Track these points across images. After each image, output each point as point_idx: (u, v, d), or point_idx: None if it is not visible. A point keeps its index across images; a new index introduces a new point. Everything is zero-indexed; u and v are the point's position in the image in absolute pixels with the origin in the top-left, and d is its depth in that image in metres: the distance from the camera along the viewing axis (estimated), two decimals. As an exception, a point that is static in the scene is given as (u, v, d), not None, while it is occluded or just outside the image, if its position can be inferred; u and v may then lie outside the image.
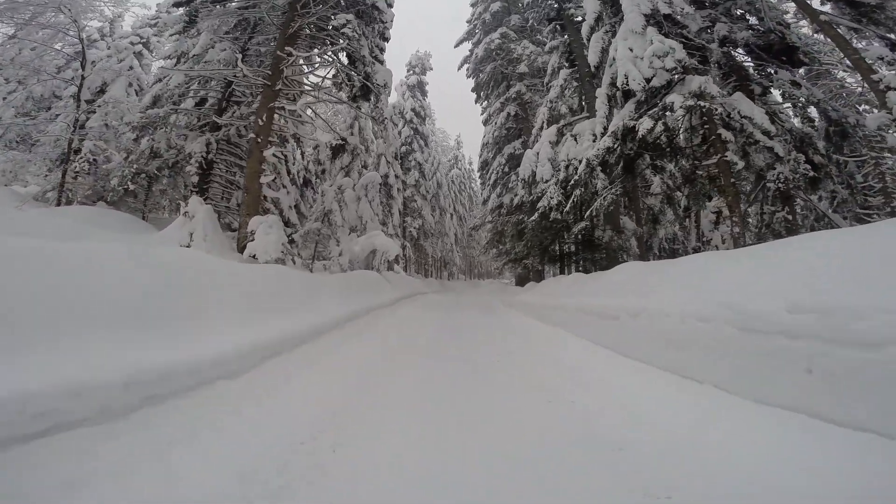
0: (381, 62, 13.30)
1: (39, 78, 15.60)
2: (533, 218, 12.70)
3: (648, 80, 7.23)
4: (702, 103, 6.73)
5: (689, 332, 3.25)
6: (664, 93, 7.53)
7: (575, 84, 15.99)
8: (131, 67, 17.23)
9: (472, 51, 24.76)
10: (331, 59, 13.46)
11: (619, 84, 7.86)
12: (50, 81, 16.45)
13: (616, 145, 8.83)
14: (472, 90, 26.74)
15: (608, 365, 3.97)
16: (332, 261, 13.80)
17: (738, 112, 6.92)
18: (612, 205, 11.28)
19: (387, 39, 14.43)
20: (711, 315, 3.07)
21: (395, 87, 31.84)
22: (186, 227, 10.15)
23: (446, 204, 41.10)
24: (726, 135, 6.99)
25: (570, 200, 12.38)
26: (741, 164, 7.25)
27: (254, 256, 9.61)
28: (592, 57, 10.04)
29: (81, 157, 14.26)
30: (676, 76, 7.16)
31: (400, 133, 31.50)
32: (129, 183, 13.91)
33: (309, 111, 14.48)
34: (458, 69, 25.92)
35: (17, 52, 15.81)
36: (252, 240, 9.87)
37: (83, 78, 14.35)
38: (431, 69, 32.24)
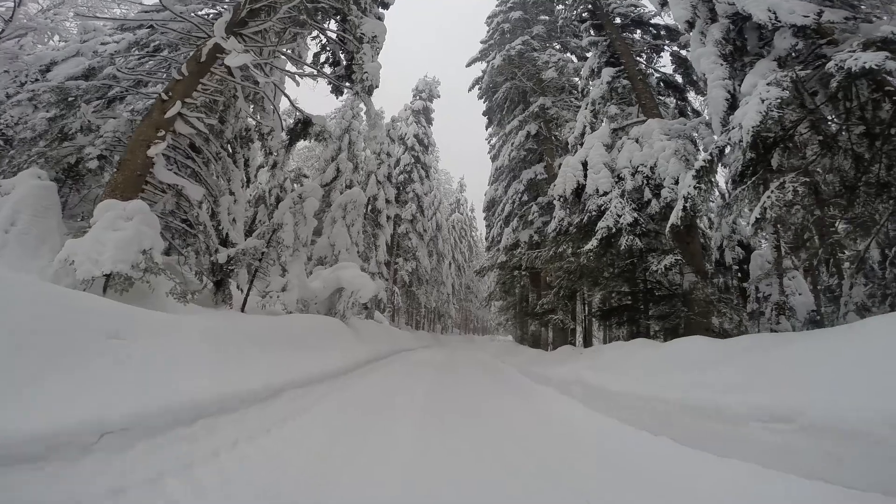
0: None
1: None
2: (588, 247, 8.09)
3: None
4: None
5: None
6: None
7: (624, 82, 12.13)
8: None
9: (485, 70, 21.48)
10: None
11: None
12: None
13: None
14: (484, 114, 23.21)
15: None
16: (271, 297, 9.00)
17: None
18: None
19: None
20: None
21: (399, 112, 28.52)
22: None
23: (445, 249, 36.76)
24: None
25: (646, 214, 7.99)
26: None
27: (73, 264, 4.94)
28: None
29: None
30: None
31: (399, 161, 27.74)
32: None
33: (271, 84, 10.27)
34: (469, 90, 22.43)
35: None
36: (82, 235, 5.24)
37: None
38: (439, 97, 29.07)
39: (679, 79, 12.38)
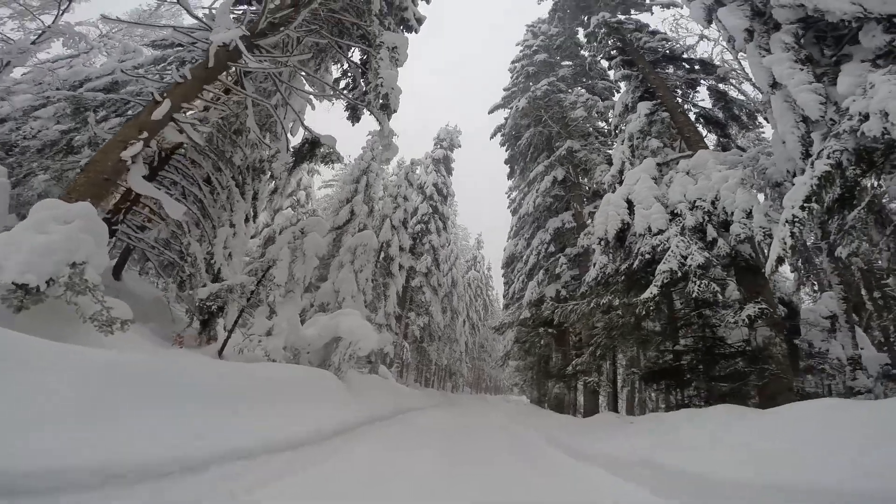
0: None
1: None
2: (647, 295, 6.53)
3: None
4: None
5: None
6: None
7: (664, 114, 11.19)
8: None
9: (507, 117, 21.08)
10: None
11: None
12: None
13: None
14: (506, 162, 22.56)
15: None
16: (251, 340, 7.56)
17: None
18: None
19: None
20: None
21: (420, 161, 28.21)
22: None
23: (460, 306, 35.06)
24: None
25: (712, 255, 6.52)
26: None
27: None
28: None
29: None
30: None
31: (416, 210, 26.98)
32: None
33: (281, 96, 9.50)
34: (492, 137, 21.99)
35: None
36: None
37: None
38: (460, 146, 28.84)
39: (720, 114, 11.53)
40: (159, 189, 7.15)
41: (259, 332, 7.64)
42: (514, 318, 15.95)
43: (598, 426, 7.95)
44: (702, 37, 12.79)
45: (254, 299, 8.56)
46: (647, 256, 6.99)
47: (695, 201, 7.39)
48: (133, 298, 9.83)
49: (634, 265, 7.24)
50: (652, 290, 6.32)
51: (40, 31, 10.23)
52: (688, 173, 8.34)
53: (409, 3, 9.70)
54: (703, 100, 12.10)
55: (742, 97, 11.73)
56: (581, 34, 19.07)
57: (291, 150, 8.58)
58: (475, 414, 15.06)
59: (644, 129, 10.83)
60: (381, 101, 7.23)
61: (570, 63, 18.57)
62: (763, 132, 14.08)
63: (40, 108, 9.84)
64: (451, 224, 37.98)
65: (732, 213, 6.78)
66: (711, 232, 6.92)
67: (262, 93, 9.50)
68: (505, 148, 21.98)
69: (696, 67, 11.93)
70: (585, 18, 17.56)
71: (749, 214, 6.54)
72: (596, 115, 14.92)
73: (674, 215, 7.29)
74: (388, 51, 7.02)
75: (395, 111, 7.47)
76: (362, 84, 9.54)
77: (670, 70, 12.34)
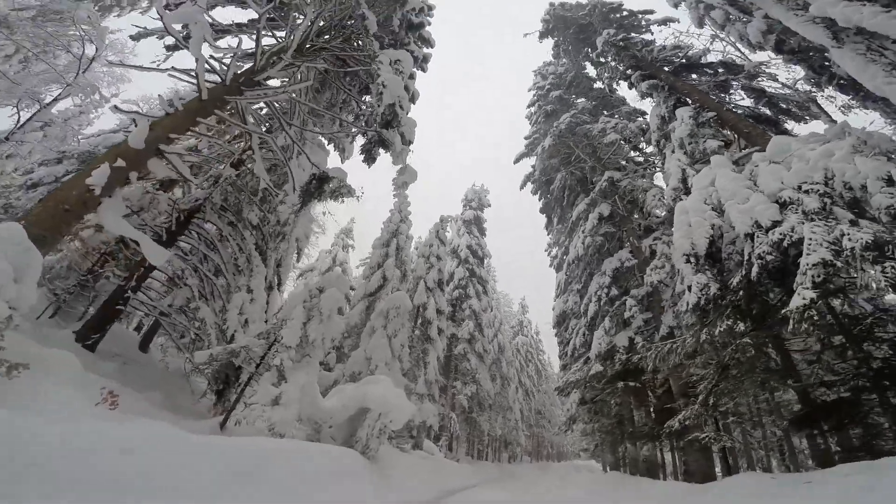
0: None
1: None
2: (800, 302, 4.66)
3: None
4: None
5: None
6: None
7: (709, 114, 10.05)
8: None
9: (535, 165, 20.27)
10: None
11: None
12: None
13: None
14: (541, 211, 21.32)
15: None
16: (252, 410, 6.10)
17: None
18: None
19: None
20: None
21: (449, 224, 27.49)
22: None
23: (510, 373, 32.25)
24: None
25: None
26: None
27: None
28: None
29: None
30: None
31: (452, 275, 25.72)
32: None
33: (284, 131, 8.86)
34: (521, 187, 21.08)
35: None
36: None
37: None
38: (489, 206, 28.00)
39: (766, 110, 10.51)
40: (156, 240, 6.23)
41: (263, 400, 6.18)
42: (582, 375, 13.64)
43: (748, 498, 5.56)
44: (714, 37, 12.06)
45: (264, 365, 7.21)
46: (770, 257, 5.20)
47: (800, 185, 5.72)
48: (155, 370, 8.81)
49: (753, 275, 5.39)
50: (804, 295, 4.47)
51: (60, 91, 10.50)
52: (770, 163, 6.77)
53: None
54: (742, 99, 11.17)
55: (784, 90, 10.61)
56: (589, 68, 18.97)
57: (299, 190, 7.71)
58: (543, 488, 12.29)
59: (693, 133, 9.56)
60: (385, 111, 6.27)
61: (585, 99, 18.02)
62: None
63: (56, 163, 9.73)
64: (492, 288, 36.33)
65: (862, 186, 5.05)
66: (842, 214, 5.14)
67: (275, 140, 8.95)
68: (538, 197, 20.97)
69: (721, 70, 11.37)
70: (588, 50, 17.47)
71: (890, 180, 4.80)
72: (629, 138, 13.73)
73: (784, 204, 5.60)
74: (392, 64, 6.22)
75: (403, 125, 6.51)
76: (370, 107, 8.91)
77: (694, 77, 11.85)
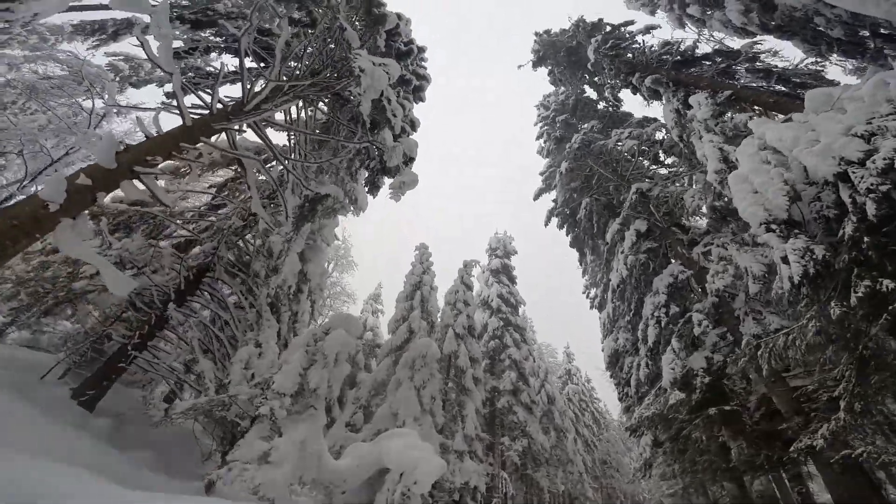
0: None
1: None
2: None
3: None
4: None
5: None
6: None
7: (726, 93, 9.36)
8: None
9: (556, 199, 19.52)
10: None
11: None
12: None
13: None
14: (571, 245, 20.20)
15: None
16: (232, 469, 5.09)
17: None
18: None
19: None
20: None
21: (476, 276, 26.58)
22: None
23: (565, 423, 29.38)
24: None
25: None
26: None
27: None
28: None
29: None
30: None
31: (486, 325, 24.38)
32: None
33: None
34: (546, 223, 20.17)
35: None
36: None
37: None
38: (515, 253, 27.04)
39: (781, 87, 10.06)
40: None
41: (246, 457, 5.16)
42: (659, 407, 11.72)
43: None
44: (699, 34, 12.11)
45: (259, 418, 6.29)
46: (885, 188, 4.02)
47: (868, 120, 4.64)
48: (162, 432, 8.21)
49: (870, 213, 4.07)
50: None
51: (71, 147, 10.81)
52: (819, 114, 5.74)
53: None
54: (751, 82, 10.63)
55: (791, 66, 10.05)
56: (589, 91, 18.81)
57: (292, 217, 7.13)
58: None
59: (716, 112, 8.77)
60: (370, 107, 5.74)
61: (593, 120, 17.73)
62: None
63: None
64: (531, 338, 34.36)
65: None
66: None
67: (278, 182, 8.63)
68: (565, 231, 20.00)
69: (719, 59, 11.08)
70: (583, 73, 17.39)
71: None
72: (646, 147, 12.90)
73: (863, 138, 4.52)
74: (374, 64, 5.79)
75: (395, 128, 5.93)
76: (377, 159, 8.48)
77: (693, 71, 11.56)
